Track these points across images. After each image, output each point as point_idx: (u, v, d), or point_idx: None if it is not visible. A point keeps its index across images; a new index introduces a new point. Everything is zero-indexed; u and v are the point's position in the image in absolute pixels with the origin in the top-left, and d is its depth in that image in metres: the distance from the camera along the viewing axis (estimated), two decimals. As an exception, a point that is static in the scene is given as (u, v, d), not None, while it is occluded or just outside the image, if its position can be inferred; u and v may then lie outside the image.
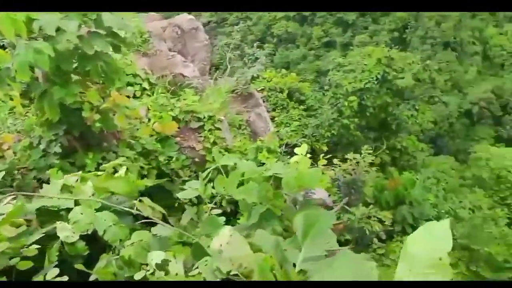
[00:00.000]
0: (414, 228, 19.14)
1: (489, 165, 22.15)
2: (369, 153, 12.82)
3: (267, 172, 3.98)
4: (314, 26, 60.56)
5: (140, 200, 3.79)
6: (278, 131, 24.52)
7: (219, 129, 10.87)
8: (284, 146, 23.92)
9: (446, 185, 22.53)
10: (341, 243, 14.95)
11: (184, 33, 12.32)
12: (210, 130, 10.24)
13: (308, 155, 4.06)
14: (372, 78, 20.61)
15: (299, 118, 25.13)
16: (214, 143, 10.56)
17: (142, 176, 7.29)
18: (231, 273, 2.36)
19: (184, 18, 12.39)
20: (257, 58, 15.53)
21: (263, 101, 23.89)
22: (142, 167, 7.67)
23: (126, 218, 4.42)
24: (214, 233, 2.72)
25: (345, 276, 2.18)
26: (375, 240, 16.12)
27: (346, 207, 12.58)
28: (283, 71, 26.16)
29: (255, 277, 2.30)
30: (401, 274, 2.15)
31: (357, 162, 12.73)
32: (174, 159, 8.70)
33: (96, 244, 3.61)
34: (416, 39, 54.06)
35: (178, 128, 9.56)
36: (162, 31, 12.09)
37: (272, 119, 25.44)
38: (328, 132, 21.80)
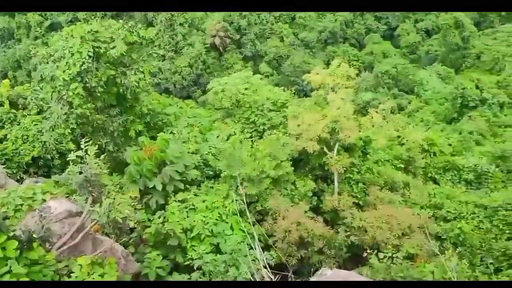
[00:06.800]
0: (185, 182, 19.94)
1: (226, 95, 24.02)
2: (88, 145, 12.23)
3: None
4: (28, 13, 54.21)
5: None
6: (17, 148, 21.91)
7: None
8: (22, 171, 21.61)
9: (201, 127, 23.83)
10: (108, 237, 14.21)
11: None
12: None
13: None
14: (85, 58, 19.54)
15: (35, 125, 22.81)
16: None
17: None
18: None
19: None
20: None
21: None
22: None
23: None
24: None
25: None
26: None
27: (91, 208, 12.07)
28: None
29: None
30: None
31: (81, 158, 12.11)
32: None
33: None
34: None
35: None
36: None
37: (5, 137, 22.50)
38: (67, 128, 20.33)
